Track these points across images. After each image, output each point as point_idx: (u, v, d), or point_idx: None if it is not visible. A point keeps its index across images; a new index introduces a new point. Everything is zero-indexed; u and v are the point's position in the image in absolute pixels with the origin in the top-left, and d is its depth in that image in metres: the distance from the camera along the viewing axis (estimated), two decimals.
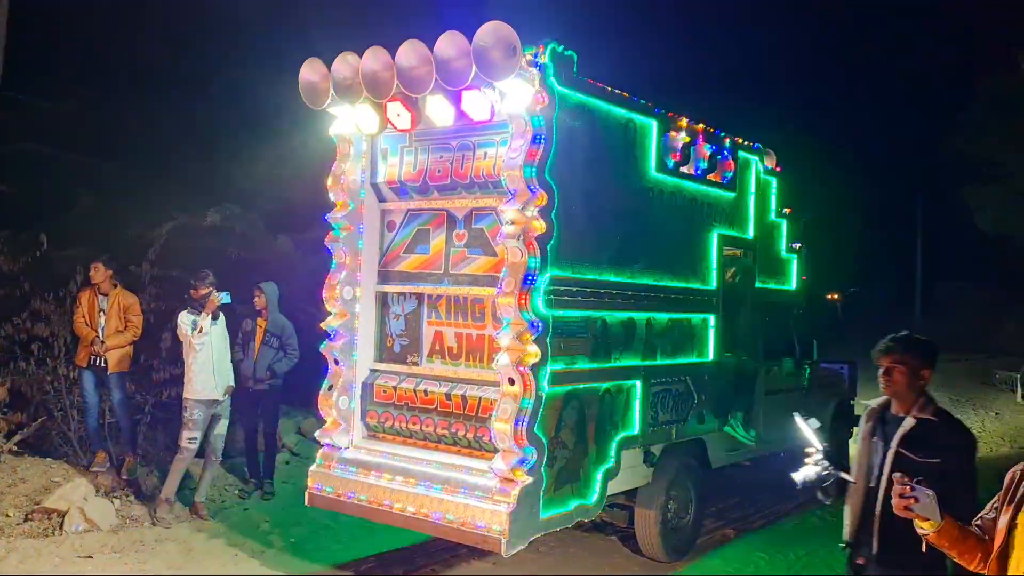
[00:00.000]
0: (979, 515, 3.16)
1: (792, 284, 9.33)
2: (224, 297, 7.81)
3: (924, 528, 3.08)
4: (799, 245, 9.29)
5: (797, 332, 9.35)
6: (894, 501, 3.09)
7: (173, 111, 11.41)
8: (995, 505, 3.08)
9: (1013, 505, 2.92)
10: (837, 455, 10.09)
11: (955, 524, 3.09)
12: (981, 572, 3.05)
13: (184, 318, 7.83)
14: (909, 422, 3.90)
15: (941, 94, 28.35)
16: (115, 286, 8.71)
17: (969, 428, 3.98)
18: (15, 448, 8.46)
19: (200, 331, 7.70)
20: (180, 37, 11.66)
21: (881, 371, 4.00)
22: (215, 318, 7.78)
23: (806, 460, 4.36)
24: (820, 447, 4.29)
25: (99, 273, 8.52)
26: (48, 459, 8.47)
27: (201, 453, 8.05)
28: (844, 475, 4.09)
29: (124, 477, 8.26)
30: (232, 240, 10.65)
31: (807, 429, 4.25)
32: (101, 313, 8.60)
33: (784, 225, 9.07)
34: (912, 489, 3.04)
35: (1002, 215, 25.98)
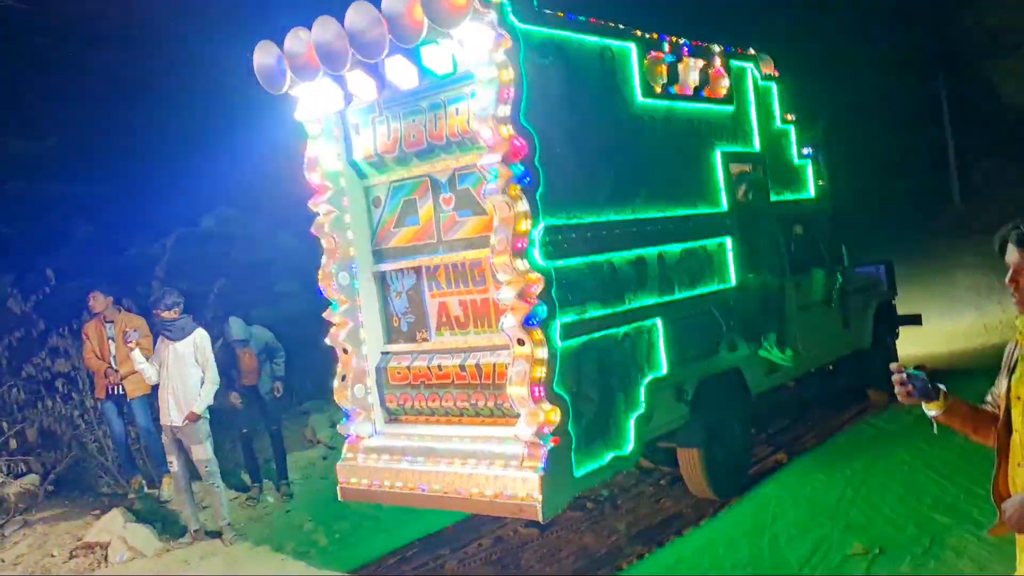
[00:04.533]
0: (988, 392, 3.12)
1: (810, 191, 8.89)
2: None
3: (932, 410, 3.05)
4: (810, 149, 8.84)
5: (823, 240, 8.94)
6: (896, 391, 3.01)
7: (151, 125, 11.19)
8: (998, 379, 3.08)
9: (1009, 373, 2.96)
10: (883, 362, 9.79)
11: (963, 403, 3.08)
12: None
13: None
14: None
15: None
16: (119, 311, 8.56)
17: None
18: (50, 488, 8.40)
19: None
20: (144, 47, 11.35)
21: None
22: (174, 337, 7.29)
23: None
24: None
25: (99, 302, 8.38)
26: (85, 493, 8.41)
27: None
28: None
29: (161, 499, 8.17)
30: (235, 244, 10.47)
31: None
32: (110, 341, 8.47)
33: (792, 132, 8.62)
34: (908, 376, 2.98)
35: None
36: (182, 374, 7.30)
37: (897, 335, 10.37)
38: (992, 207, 28.70)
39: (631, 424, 6.12)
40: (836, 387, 9.80)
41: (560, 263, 5.67)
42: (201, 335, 7.43)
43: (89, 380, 9.21)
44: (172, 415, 7.28)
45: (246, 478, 8.76)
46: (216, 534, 7.43)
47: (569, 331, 5.66)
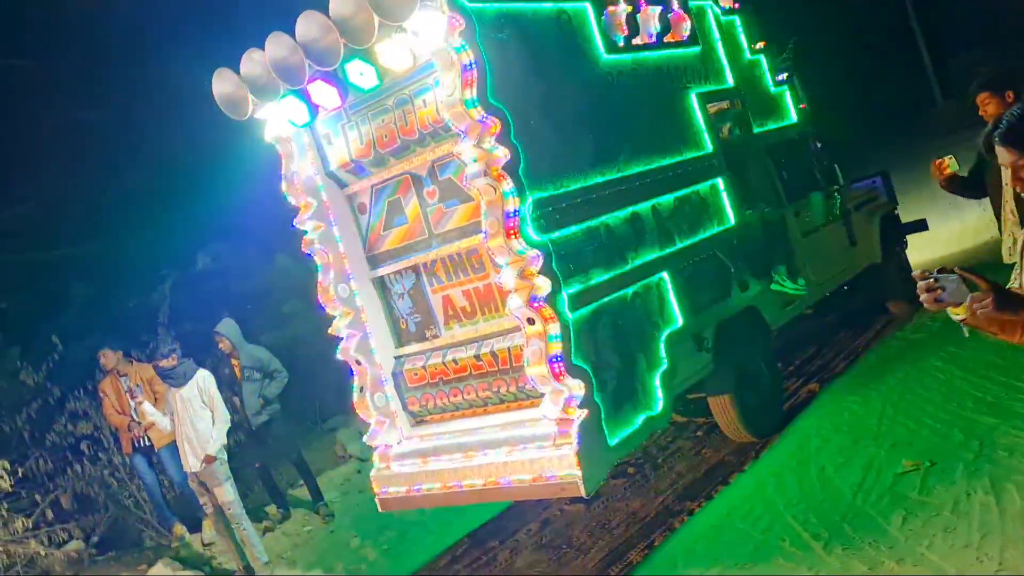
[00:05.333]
0: (1007, 285, 2.96)
1: (792, 116, 8.75)
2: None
3: (958, 313, 2.84)
4: (786, 75, 8.69)
5: (814, 162, 8.80)
6: (922, 298, 2.81)
7: (129, 175, 11.04)
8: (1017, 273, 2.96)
9: None
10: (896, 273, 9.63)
11: None
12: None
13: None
14: None
15: None
16: (131, 363, 8.51)
17: None
18: (94, 551, 8.38)
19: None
20: (109, 97, 11.14)
21: None
22: (177, 384, 7.23)
23: None
24: None
25: (109, 358, 8.33)
26: (129, 550, 8.39)
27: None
28: None
29: (205, 543, 8.14)
30: (231, 276, 10.38)
31: None
32: (127, 395, 8.42)
33: (763, 61, 8.48)
34: (936, 280, 2.74)
35: None
36: (192, 418, 7.25)
37: (906, 244, 10.25)
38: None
39: (657, 382, 6.04)
40: (856, 306, 9.71)
41: (555, 235, 5.58)
42: (203, 376, 7.36)
43: (114, 437, 9.18)
44: (191, 460, 7.25)
45: (273, 510, 8.68)
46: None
47: (577, 301, 5.57)
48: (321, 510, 8.52)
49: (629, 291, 6.07)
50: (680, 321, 6.40)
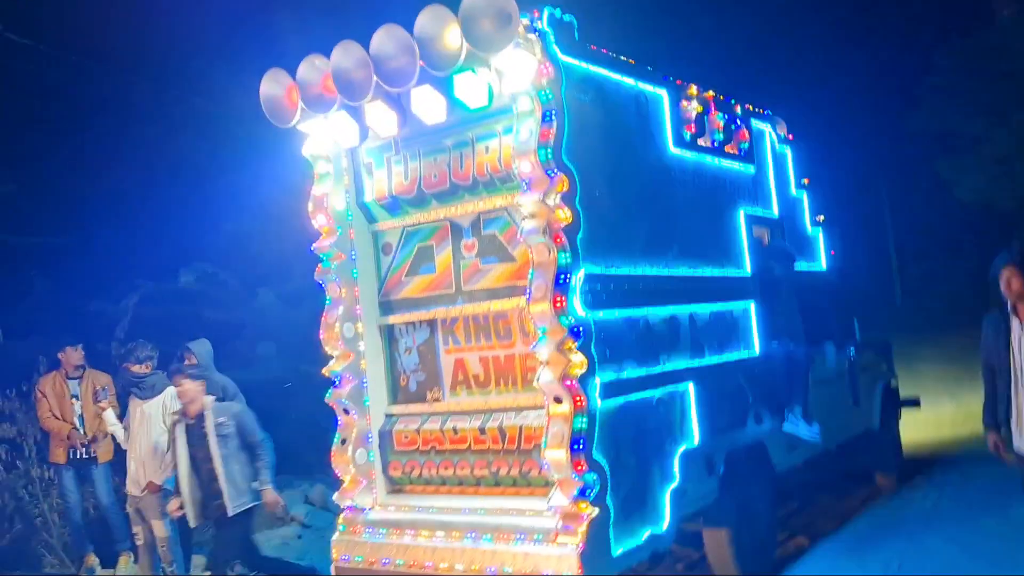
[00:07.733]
0: None
1: (821, 261, 8.57)
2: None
3: None
4: (823, 217, 8.55)
5: (835, 312, 8.55)
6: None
7: (124, 170, 10.40)
8: None
9: None
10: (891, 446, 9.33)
11: None
12: None
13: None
14: None
15: (906, 64, 27.56)
16: (84, 368, 7.76)
17: None
18: None
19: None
20: (125, 74, 10.49)
21: None
22: (144, 396, 6.49)
23: None
24: None
25: (71, 358, 7.55)
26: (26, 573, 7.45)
27: None
28: None
29: None
30: (207, 302, 9.71)
31: None
32: (74, 400, 7.64)
33: (806, 198, 8.34)
34: None
35: (982, 184, 25.48)
36: (148, 437, 6.49)
37: (900, 416, 9.97)
38: (933, 302, 29.14)
39: (667, 498, 5.54)
40: (839, 469, 9.31)
41: (600, 315, 5.16)
42: (172, 395, 6.65)
43: (37, 446, 8.31)
44: (132, 482, 6.47)
45: (200, 560, 7.72)
46: None
47: (608, 391, 5.12)
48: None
49: (656, 394, 5.63)
50: (696, 439, 5.95)
